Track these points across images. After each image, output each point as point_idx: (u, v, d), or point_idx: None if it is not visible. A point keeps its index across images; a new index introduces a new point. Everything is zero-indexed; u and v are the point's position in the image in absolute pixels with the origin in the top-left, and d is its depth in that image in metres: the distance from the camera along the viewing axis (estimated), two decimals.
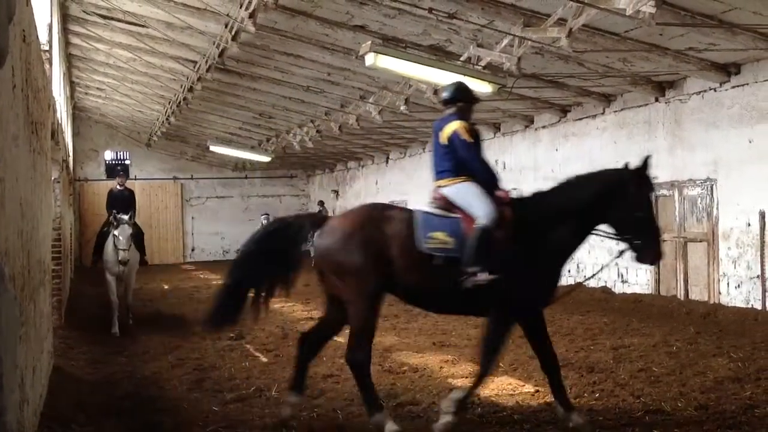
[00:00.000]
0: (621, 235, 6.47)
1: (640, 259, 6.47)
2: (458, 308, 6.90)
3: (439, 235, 6.31)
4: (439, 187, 6.70)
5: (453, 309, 7.05)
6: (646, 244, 6.35)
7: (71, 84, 24.15)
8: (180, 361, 10.03)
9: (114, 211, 13.13)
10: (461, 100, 6.86)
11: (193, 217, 32.68)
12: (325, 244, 6.47)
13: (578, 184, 6.58)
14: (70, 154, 22.88)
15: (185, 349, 11.01)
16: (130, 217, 12.98)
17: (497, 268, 6.14)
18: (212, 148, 24.35)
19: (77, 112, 29.10)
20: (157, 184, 31.98)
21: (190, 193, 32.80)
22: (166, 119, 23.58)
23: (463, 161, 6.59)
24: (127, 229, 12.73)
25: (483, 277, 6.14)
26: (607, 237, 6.56)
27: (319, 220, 6.75)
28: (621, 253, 6.48)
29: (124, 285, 13.30)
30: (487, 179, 6.62)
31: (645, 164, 6.52)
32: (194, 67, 16.75)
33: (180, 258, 32.03)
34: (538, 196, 6.67)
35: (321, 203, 30.71)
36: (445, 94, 6.95)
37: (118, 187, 15.50)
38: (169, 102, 21.73)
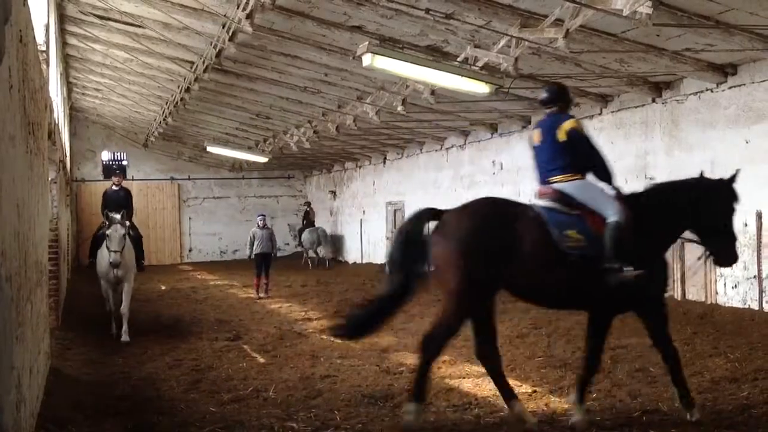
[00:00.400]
0: (704, 239, 6.91)
1: (720, 262, 6.99)
2: (583, 303, 6.91)
3: (572, 233, 6.36)
4: (551, 182, 6.75)
5: (578, 304, 7.07)
6: (726, 249, 6.85)
7: (68, 84, 24.12)
8: (177, 362, 10.03)
9: (107, 211, 12.48)
10: (562, 100, 7.05)
11: (190, 218, 32.66)
12: (447, 238, 6.33)
13: (673, 189, 6.92)
14: (67, 154, 22.85)
15: (182, 349, 11.01)
16: (122, 216, 12.01)
17: (636, 263, 6.30)
18: (209, 148, 24.33)
19: (74, 112, 29.04)
20: (154, 185, 31.96)
21: (187, 194, 32.77)
22: (164, 120, 23.55)
23: (585, 156, 6.73)
24: (120, 229, 11.77)
25: (630, 272, 6.26)
26: (689, 241, 7.10)
27: (434, 213, 6.60)
28: (705, 257, 7.00)
29: (120, 292, 12.22)
30: (605, 175, 6.82)
31: (734, 177, 6.95)
32: (191, 67, 16.74)
33: (177, 258, 32.00)
34: (638, 197, 6.87)
35: (308, 203, 30.87)
36: (546, 95, 7.06)
37: (113, 187, 14.81)
38: (167, 102, 21.71)
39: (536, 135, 7.03)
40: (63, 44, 18.58)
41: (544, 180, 6.88)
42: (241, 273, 24.46)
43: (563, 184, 6.68)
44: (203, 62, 15.74)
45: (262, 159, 24.71)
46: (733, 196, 6.87)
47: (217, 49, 14.35)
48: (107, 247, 11.84)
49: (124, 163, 31.57)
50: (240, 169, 32.10)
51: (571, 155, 6.70)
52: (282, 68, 15.80)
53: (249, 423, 6.86)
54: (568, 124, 6.74)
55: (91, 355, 10.74)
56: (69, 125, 26.95)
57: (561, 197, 6.64)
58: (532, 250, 6.22)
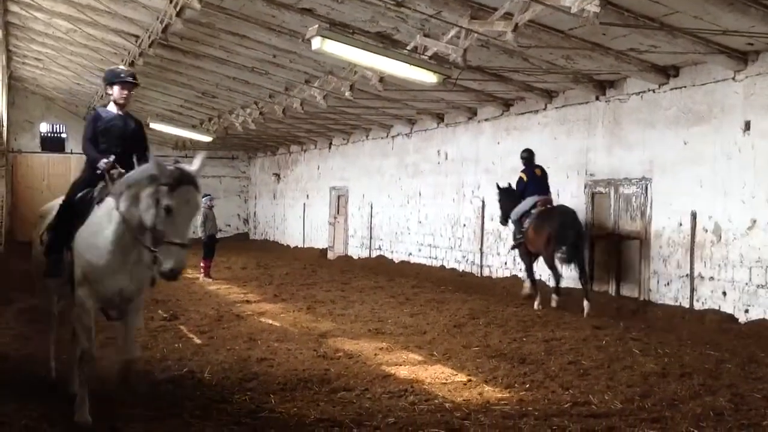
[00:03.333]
0: None
1: None
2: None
3: None
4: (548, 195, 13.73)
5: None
6: None
7: (8, 53, 23.46)
8: (110, 340, 9.85)
9: (134, 155, 6.35)
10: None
11: None
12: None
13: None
14: (4, 124, 22.25)
15: (116, 328, 10.82)
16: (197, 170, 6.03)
17: None
18: (152, 125, 23.88)
19: (13, 81, 28.28)
20: None
21: None
22: (106, 93, 23.04)
23: None
24: (203, 202, 5.71)
25: None
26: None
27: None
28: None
29: (124, 325, 6.66)
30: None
31: None
32: (136, 41, 16.42)
33: None
34: None
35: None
36: (532, 154, 13.74)
37: (112, 108, 7.18)
38: None
39: (538, 171, 13.76)
40: (4, 11, 18.05)
41: (543, 193, 13.47)
42: None
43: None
44: (149, 37, 15.44)
45: (206, 138, 24.40)
46: None
47: (164, 24, 14.09)
48: (152, 229, 5.81)
49: (63, 135, 30.87)
50: (183, 148, 31.63)
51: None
52: (230, 47, 15.60)
53: (183, 404, 6.79)
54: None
55: (22, 330, 10.51)
56: (7, 95, 26.23)
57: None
58: None
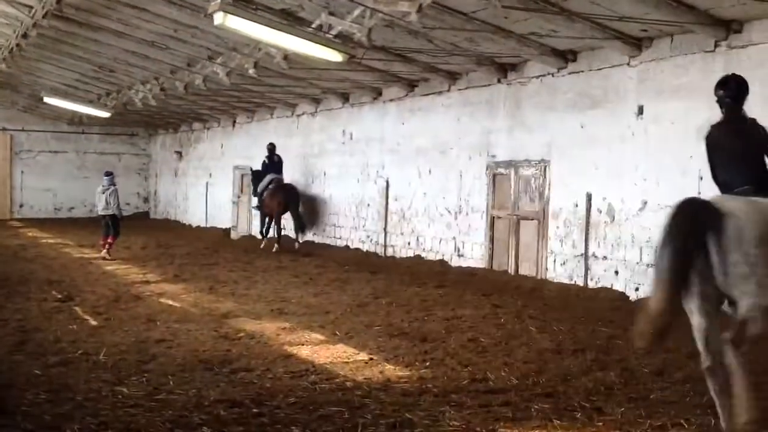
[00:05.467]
0: None
1: None
2: None
3: None
4: None
5: None
6: None
7: None
8: (1, 322, 9.52)
9: None
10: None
11: (22, 172, 30.85)
12: None
13: None
14: None
15: (7, 309, 10.47)
16: None
17: None
18: (46, 99, 23.07)
19: None
20: None
21: (20, 146, 30.91)
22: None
23: None
24: None
25: None
26: None
27: None
28: None
29: None
30: None
31: None
32: (29, 12, 15.73)
33: (6, 214, 30.23)
34: None
35: None
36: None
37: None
38: (0, 48, 20.34)
39: (276, 158, 18.80)
40: None
41: (278, 174, 18.92)
42: (75, 232, 23.44)
43: None
44: (43, 7, 14.81)
45: (104, 114, 23.70)
46: None
47: None
48: None
49: None
50: (80, 123, 30.60)
51: None
52: (128, 20, 15.12)
53: (76, 387, 6.61)
54: None
55: None
56: None
57: None
58: None
